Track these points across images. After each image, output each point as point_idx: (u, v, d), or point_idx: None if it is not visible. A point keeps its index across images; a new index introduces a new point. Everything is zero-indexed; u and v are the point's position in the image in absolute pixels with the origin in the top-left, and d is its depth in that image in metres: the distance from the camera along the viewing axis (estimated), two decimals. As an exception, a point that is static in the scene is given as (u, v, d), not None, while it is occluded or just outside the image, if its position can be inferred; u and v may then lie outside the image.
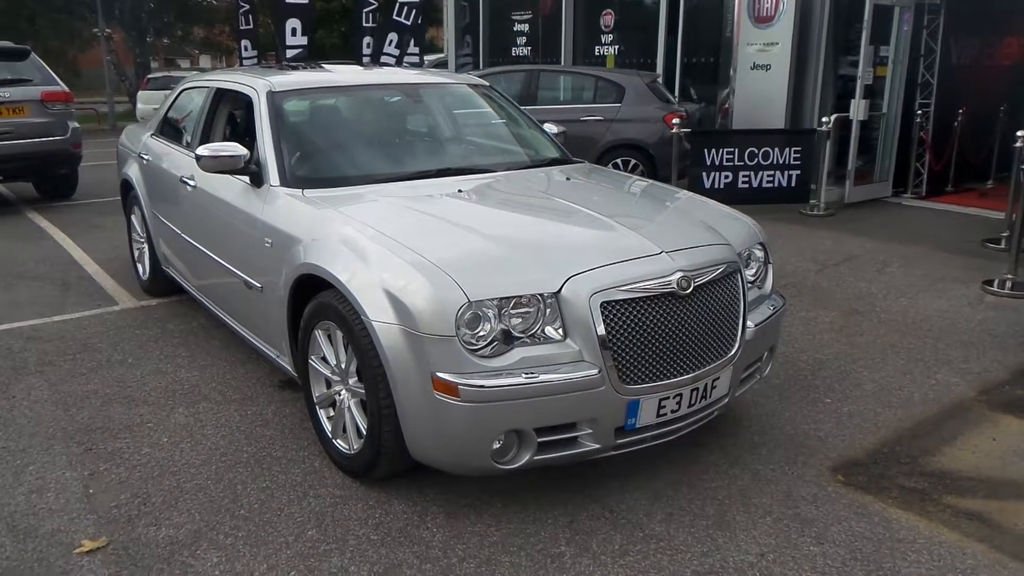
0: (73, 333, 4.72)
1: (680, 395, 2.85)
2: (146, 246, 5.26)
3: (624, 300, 2.71)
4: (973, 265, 6.33)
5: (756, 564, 2.59)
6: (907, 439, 3.46)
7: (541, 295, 2.66)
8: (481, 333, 2.62)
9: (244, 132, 4.38)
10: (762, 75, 9.47)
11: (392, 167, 3.87)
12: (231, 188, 3.78)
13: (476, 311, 2.60)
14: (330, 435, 3.17)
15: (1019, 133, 6.05)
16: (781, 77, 9.31)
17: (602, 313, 2.66)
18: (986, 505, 2.95)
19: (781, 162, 8.31)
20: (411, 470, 2.96)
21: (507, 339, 2.64)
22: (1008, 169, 10.19)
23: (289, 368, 3.49)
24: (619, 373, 2.69)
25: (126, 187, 5.50)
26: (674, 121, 8.26)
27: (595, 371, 2.64)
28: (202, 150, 3.56)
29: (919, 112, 9.23)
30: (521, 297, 2.65)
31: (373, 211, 3.25)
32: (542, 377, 2.59)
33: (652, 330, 2.75)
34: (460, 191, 3.49)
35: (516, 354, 2.63)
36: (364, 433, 2.92)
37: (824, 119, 8.32)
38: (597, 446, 2.76)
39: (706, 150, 8.33)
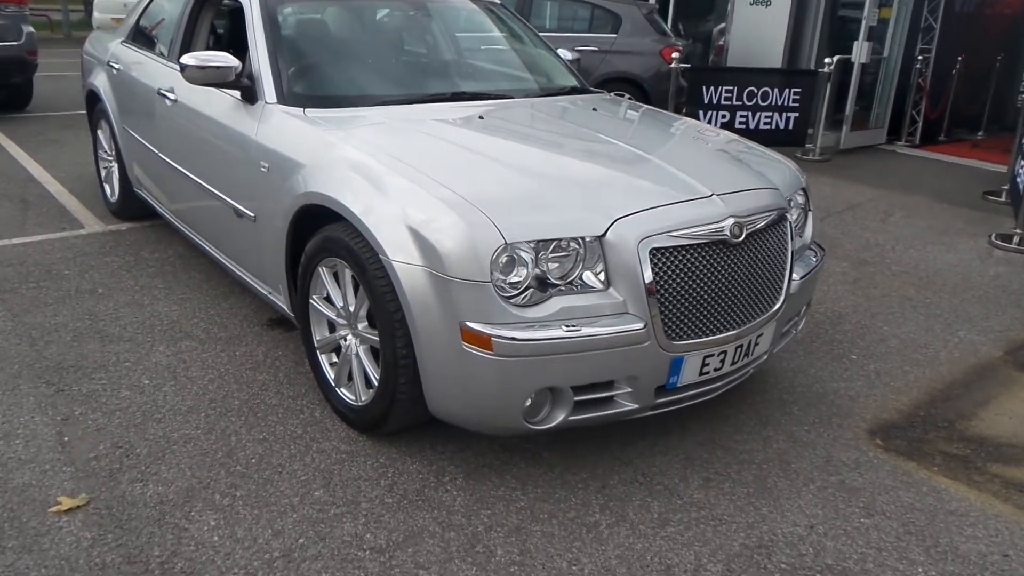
0: (36, 257, 4.32)
1: (724, 352, 2.61)
2: (115, 165, 4.81)
3: (673, 247, 2.44)
4: (976, 218, 6.19)
5: (807, 537, 2.40)
6: (940, 401, 3.29)
7: (583, 238, 2.37)
8: (514, 279, 2.33)
9: (232, 41, 3.96)
10: (761, 11, 9.11)
11: (402, 88, 3.49)
12: (219, 104, 3.39)
13: (512, 254, 2.31)
14: (333, 383, 2.88)
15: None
16: (781, 14, 8.96)
17: (651, 261, 2.39)
18: (1034, 475, 2.80)
19: (780, 103, 8.01)
20: (421, 424, 2.70)
21: (541, 286, 2.35)
22: (1000, 121, 10.10)
23: (283, 306, 3.18)
24: (665, 328, 2.43)
25: (92, 99, 5.00)
26: (673, 55, 7.90)
27: (641, 325, 2.38)
28: (187, 59, 3.14)
29: (919, 58, 8.96)
30: (561, 240, 2.36)
31: (388, 136, 2.89)
32: (584, 331, 2.32)
33: (700, 281, 2.49)
34: (481, 117, 3.15)
35: (555, 304, 2.35)
36: (375, 384, 2.64)
37: (827, 60, 8.01)
38: (635, 406, 2.51)
39: (704, 87, 7.99)
